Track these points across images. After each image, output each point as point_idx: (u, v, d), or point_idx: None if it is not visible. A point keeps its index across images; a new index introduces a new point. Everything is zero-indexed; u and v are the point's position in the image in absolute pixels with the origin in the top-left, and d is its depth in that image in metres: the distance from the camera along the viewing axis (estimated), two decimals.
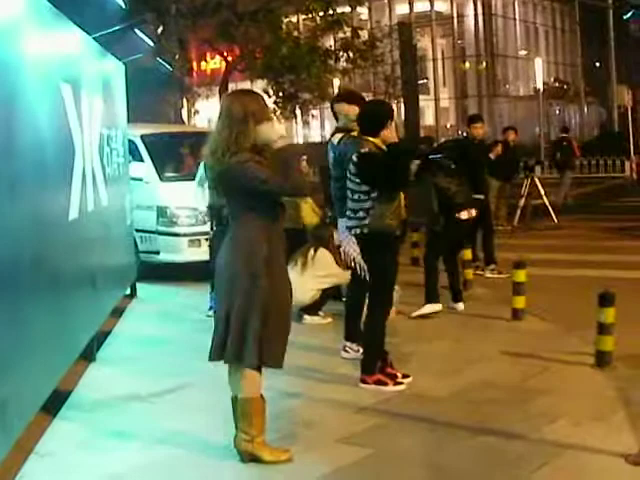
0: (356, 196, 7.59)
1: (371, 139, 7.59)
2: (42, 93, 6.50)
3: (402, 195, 7.72)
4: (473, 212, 10.78)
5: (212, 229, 10.57)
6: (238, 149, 5.53)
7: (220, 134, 5.64)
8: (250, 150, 5.56)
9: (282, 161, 5.60)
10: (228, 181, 5.63)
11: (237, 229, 5.74)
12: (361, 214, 7.56)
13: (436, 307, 10.18)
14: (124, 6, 39.58)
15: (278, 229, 5.77)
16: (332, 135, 8.83)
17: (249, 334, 5.57)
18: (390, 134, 7.63)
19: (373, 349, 7.62)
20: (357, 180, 7.55)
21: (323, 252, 9.97)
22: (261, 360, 5.68)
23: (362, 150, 7.53)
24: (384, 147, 7.57)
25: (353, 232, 7.75)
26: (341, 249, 8.53)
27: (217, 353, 5.73)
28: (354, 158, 7.55)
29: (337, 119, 8.85)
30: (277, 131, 5.69)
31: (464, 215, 10.58)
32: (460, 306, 10.57)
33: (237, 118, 5.59)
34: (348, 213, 7.74)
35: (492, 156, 13.75)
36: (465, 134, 14.00)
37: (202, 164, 9.47)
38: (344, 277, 9.56)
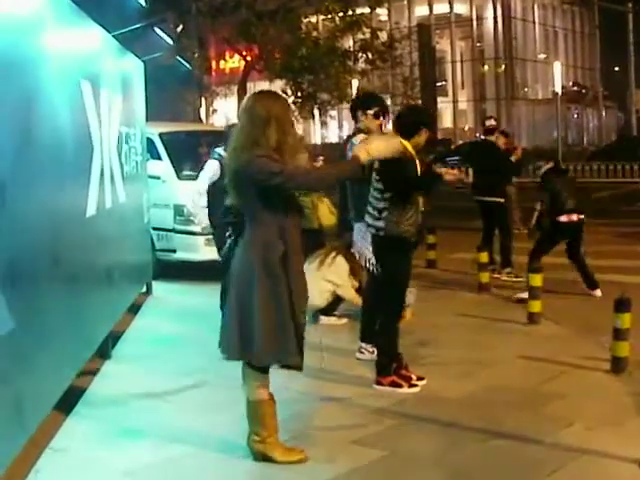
0: (375, 194, 7.61)
1: (402, 141, 7.59)
2: (62, 90, 6.52)
3: (420, 201, 7.72)
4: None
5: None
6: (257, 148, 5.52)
7: (241, 134, 5.64)
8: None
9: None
10: (244, 177, 5.58)
11: (253, 229, 5.70)
12: (376, 213, 7.58)
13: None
14: (144, 4, 39.69)
15: (295, 229, 5.72)
16: (353, 135, 8.85)
17: (267, 335, 5.56)
18: (422, 140, 7.65)
19: (387, 351, 7.62)
20: (377, 177, 7.56)
21: (342, 261, 9.90)
22: (279, 360, 5.69)
23: None
24: (413, 151, 7.55)
25: (369, 230, 7.75)
26: (356, 251, 8.52)
27: (234, 353, 5.73)
28: None
29: (356, 120, 8.86)
30: (298, 140, 5.64)
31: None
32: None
33: (259, 120, 5.57)
34: (368, 209, 7.74)
35: (513, 159, 13.70)
36: (482, 137, 13.97)
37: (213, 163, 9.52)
38: (351, 295, 9.56)
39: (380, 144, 5.83)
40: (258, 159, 5.49)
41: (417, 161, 7.56)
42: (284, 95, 35.14)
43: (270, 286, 5.56)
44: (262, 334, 5.55)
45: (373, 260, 7.94)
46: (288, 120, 5.72)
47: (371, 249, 7.89)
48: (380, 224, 7.53)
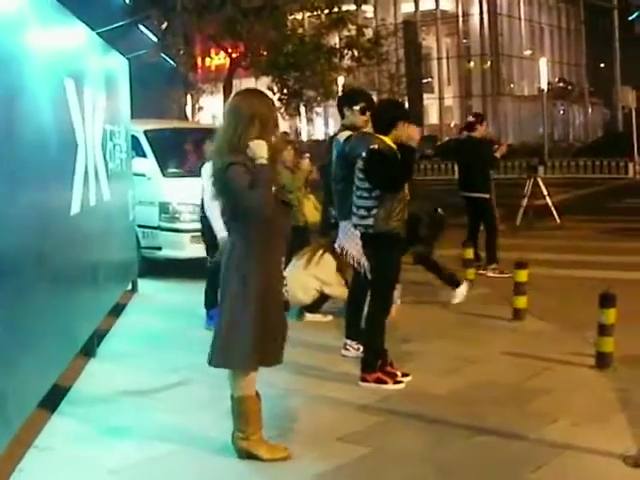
0: (359, 193, 7.60)
1: (382, 137, 7.59)
2: (45, 88, 6.50)
3: (406, 195, 7.70)
4: None
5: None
6: (237, 149, 5.52)
7: (224, 132, 5.64)
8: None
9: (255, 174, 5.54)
10: (222, 181, 5.62)
11: (233, 231, 5.76)
12: (364, 212, 7.56)
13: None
14: (128, 2, 39.61)
15: (276, 229, 5.74)
16: (338, 132, 8.85)
17: (242, 338, 5.58)
18: (403, 134, 7.61)
19: (373, 347, 7.63)
20: (362, 176, 7.55)
21: (330, 258, 9.91)
22: (260, 363, 5.71)
23: (372, 146, 7.53)
24: (394, 145, 7.55)
25: (357, 230, 7.75)
26: (342, 249, 8.52)
27: (216, 359, 5.78)
28: (364, 154, 7.54)
29: (343, 116, 8.84)
30: (262, 149, 5.58)
31: None
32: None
33: (243, 118, 5.58)
34: (353, 209, 7.73)
35: (498, 155, 13.70)
36: (467, 133, 13.98)
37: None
38: (339, 292, 9.58)
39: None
40: (231, 167, 5.49)
41: (399, 155, 7.53)
42: (270, 92, 35.26)
43: (244, 288, 5.58)
44: (240, 338, 5.58)
45: (360, 259, 7.96)
46: (272, 119, 5.72)
47: (358, 248, 7.89)
48: (369, 222, 7.53)
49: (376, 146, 7.51)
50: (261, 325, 5.59)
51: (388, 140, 7.56)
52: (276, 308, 5.79)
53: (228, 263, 5.70)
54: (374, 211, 7.50)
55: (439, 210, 10.41)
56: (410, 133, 7.64)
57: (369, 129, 8.21)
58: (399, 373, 7.63)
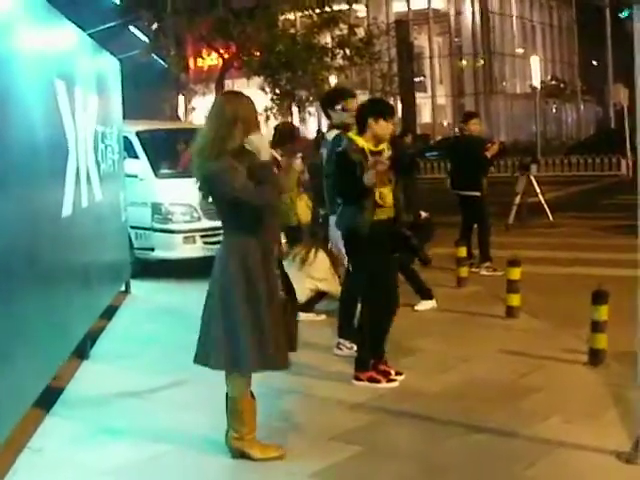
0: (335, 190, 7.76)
1: (354, 137, 7.61)
2: (35, 89, 6.49)
3: (386, 194, 7.60)
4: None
5: None
6: (221, 152, 5.53)
7: (207, 134, 5.65)
8: (233, 154, 5.55)
9: (259, 172, 5.57)
10: (209, 187, 5.66)
11: (225, 234, 5.78)
12: (338, 211, 7.72)
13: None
14: (119, 2, 39.55)
15: (266, 232, 5.76)
16: (327, 131, 8.91)
17: (239, 341, 5.57)
18: (381, 131, 7.54)
19: (366, 347, 7.63)
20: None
21: (323, 255, 9.94)
22: (261, 366, 5.70)
23: (337, 149, 7.64)
24: (370, 146, 7.51)
25: (340, 233, 7.83)
26: (333, 246, 8.56)
27: (202, 358, 5.77)
28: (333, 156, 7.66)
29: (329, 117, 8.91)
30: (264, 143, 5.65)
31: None
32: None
33: (226, 120, 5.59)
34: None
35: (489, 155, 13.71)
36: (459, 131, 13.95)
37: None
38: (335, 288, 9.60)
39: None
40: (219, 174, 5.52)
41: (368, 156, 7.46)
42: (262, 93, 35.27)
43: (228, 292, 5.60)
44: (248, 344, 5.57)
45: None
46: (254, 121, 5.73)
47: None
48: (341, 220, 7.62)
49: (340, 149, 7.60)
50: (258, 326, 5.59)
51: (360, 140, 7.52)
52: (275, 309, 5.77)
53: (222, 262, 5.70)
54: (340, 208, 7.60)
55: (423, 214, 10.34)
56: (377, 130, 7.51)
57: None
58: (393, 371, 7.63)
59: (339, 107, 8.71)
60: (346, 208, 7.58)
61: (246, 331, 5.56)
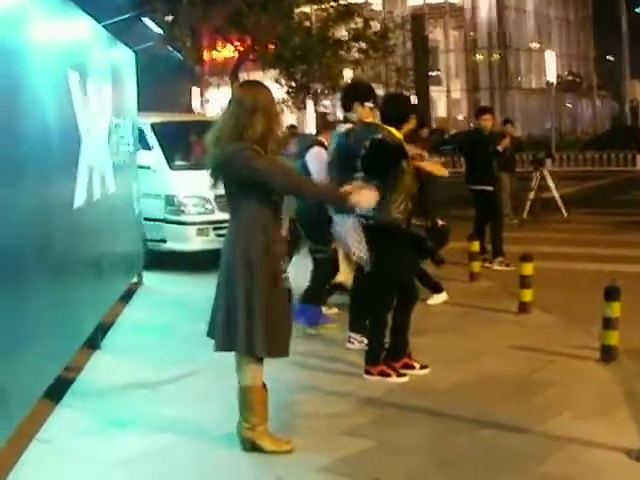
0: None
1: (389, 129, 7.56)
2: (49, 80, 6.49)
3: (409, 187, 7.64)
4: None
5: None
6: (242, 138, 5.52)
7: (226, 122, 5.64)
8: (253, 143, 5.55)
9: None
10: (227, 171, 5.64)
11: (236, 221, 5.75)
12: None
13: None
14: None
15: (277, 219, 5.77)
16: (338, 124, 8.84)
17: (256, 325, 5.57)
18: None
19: (377, 340, 7.61)
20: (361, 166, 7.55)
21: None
22: (269, 351, 5.69)
23: (377, 135, 7.49)
24: (401, 137, 7.55)
25: (360, 220, 7.73)
26: (340, 243, 8.53)
27: (223, 344, 5.73)
28: (367, 142, 7.49)
29: (349, 108, 8.65)
30: (289, 134, 5.70)
31: None
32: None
33: (245, 110, 5.58)
34: None
35: (500, 148, 13.70)
36: (474, 126, 13.94)
37: None
38: (349, 279, 9.54)
39: (370, 201, 5.89)
40: (243, 153, 5.51)
41: (406, 147, 7.53)
42: (277, 85, 35.23)
43: (252, 276, 5.58)
44: (254, 325, 5.56)
45: (359, 252, 7.94)
46: (274, 110, 5.75)
47: (359, 239, 7.87)
48: (369, 213, 7.50)
49: (380, 136, 7.48)
50: (269, 312, 5.60)
51: (397, 132, 7.53)
52: (281, 296, 5.76)
53: (232, 249, 5.70)
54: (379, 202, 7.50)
55: (439, 222, 10.30)
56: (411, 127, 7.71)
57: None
58: (417, 365, 7.63)
59: (370, 105, 8.39)
60: (382, 202, 7.48)
61: (262, 316, 5.56)
